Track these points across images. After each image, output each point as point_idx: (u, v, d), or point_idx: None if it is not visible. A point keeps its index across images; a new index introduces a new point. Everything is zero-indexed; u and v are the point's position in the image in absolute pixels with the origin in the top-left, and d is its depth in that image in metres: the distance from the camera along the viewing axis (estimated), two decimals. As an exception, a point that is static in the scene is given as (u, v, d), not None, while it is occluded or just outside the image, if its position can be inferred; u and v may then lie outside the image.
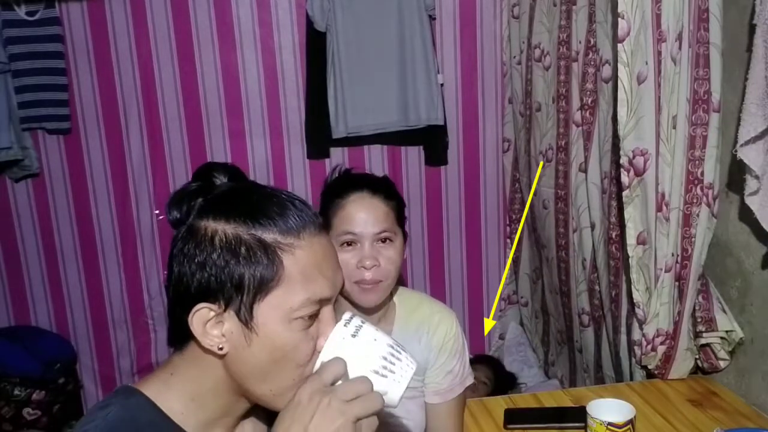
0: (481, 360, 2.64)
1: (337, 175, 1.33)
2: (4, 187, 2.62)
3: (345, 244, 1.24)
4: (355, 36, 2.45)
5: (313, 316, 0.78)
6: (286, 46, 2.57)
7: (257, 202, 0.78)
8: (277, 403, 0.78)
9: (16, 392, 2.50)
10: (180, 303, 0.77)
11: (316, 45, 2.50)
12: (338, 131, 2.50)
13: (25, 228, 2.66)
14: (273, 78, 2.59)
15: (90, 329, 2.75)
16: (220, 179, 0.83)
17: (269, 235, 0.75)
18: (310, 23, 2.48)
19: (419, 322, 1.36)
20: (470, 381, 1.41)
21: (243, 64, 2.56)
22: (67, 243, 2.68)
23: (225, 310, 0.75)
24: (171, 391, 0.80)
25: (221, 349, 0.76)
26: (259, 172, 2.63)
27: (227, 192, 0.80)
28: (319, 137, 2.58)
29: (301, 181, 2.65)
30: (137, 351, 2.76)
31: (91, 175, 2.63)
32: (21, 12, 2.42)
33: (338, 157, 2.64)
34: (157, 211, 2.66)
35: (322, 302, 0.78)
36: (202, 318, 0.75)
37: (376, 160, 2.66)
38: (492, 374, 2.52)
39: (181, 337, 0.79)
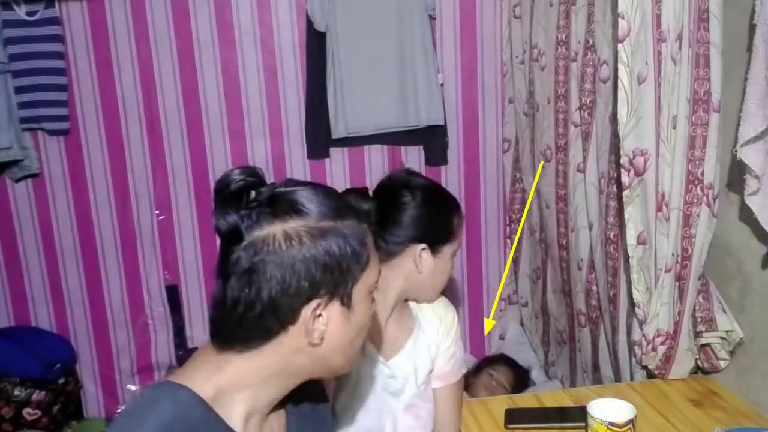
0: (497, 360, 2.57)
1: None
2: (4, 187, 2.62)
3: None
4: (355, 36, 2.45)
5: None
6: (286, 46, 2.57)
7: (326, 196, 0.83)
8: (342, 369, 0.90)
9: (16, 392, 2.50)
10: (270, 306, 0.79)
11: (316, 45, 2.50)
12: (338, 131, 2.50)
13: (25, 228, 2.66)
14: (273, 78, 2.59)
15: (90, 329, 2.75)
16: (241, 178, 0.83)
17: (351, 223, 0.83)
18: (310, 23, 2.48)
19: (429, 311, 1.41)
20: (464, 369, 1.46)
21: (243, 65, 2.56)
22: (67, 243, 2.68)
23: (330, 300, 0.82)
24: (217, 385, 0.81)
25: (321, 339, 0.82)
26: (260, 172, 2.63)
27: (288, 192, 0.82)
28: (319, 137, 2.58)
29: (301, 181, 2.65)
30: (137, 351, 2.75)
31: (91, 175, 2.63)
32: (21, 12, 2.42)
33: (338, 157, 2.65)
34: (157, 211, 2.66)
35: None
36: (312, 314, 0.81)
37: (376, 160, 2.66)
38: (513, 378, 2.46)
39: (243, 338, 0.82)
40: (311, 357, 0.84)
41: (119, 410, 2.75)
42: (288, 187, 0.83)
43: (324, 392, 1.05)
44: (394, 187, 1.33)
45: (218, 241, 0.84)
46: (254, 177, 0.82)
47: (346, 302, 0.83)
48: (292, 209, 0.80)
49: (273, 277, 0.78)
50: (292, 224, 0.79)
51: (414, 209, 1.30)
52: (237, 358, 0.82)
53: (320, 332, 0.82)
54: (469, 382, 2.37)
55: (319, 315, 0.81)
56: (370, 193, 1.31)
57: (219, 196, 0.80)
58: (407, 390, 1.36)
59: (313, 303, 0.80)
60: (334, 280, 0.81)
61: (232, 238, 0.79)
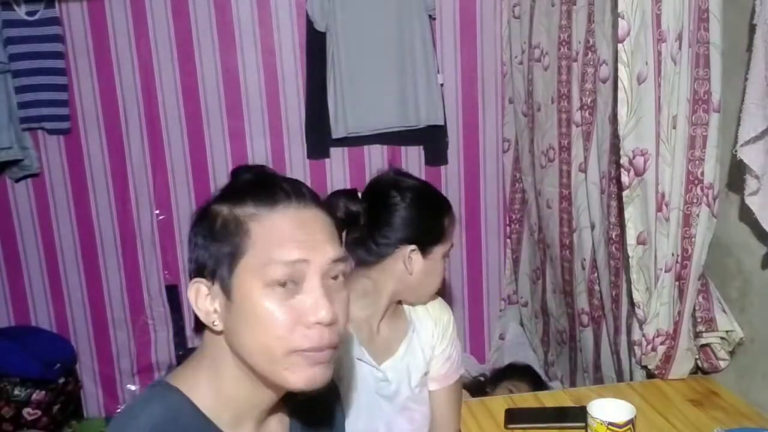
0: (518, 371, 2.40)
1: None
2: (4, 187, 2.62)
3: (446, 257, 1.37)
4: (355, 36, 2.45)
5: (291, 285, 0.79)
6: (286, 46, 2.57)
7: (243, 184, 0.86)
8: (283, 380, 0.80)
9: (16, 392, 2.50)
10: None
11: (316, 45, 2.50)
12: (338, 131, 2.50)
13: (25, 228, 2.66)
14: (273, 78, 2.59)
15: (90, 329, 2.75)
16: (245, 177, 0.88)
17: (242, 210, 0.81)
18: (310, 23, 2.48)
19: (424, 313, 1.40)
20: (462, 370, 1.45)
21: (243, 64, 2.56)
22: (67, 243, 2.68)
23: (212, 284, 0.81)
24: (202, 386, 0.82)
25: (215, 324, 0.81)
26: (259, 172, 2.62)
27: (232, 181, 0.89)
28: (319, 137, 2.58)
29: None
30: (137, 351, 2.75)
31: (91, 175, 2.63)
32: (21, 12, 2.42)
33: (338, 157, 2.65)
34: (157, 211, 2.66)
35: (296, 266, 0.79)
36: (197, 293, 0.82)
37: (376, 160, 2.66)
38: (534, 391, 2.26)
39: (198, 323, 0.84)
40: (235, 354, 0.83)
41: (119, 410, 2.76)
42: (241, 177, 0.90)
43: (338, 397, 1.05)
44: (383, 188, 1.32)
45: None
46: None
47: (227, 288, 0.83)
48: (220, 196, 0.89)
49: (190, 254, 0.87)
50: (215, 207, 0.87)
51: (404, 210, 1.29)
52: (200, 346, 0.87)
53: (211, 318, 0.82)
54: (486, 392, 2.27)
55: (204, 295, 0.84)
56: (360, 195, 1.31)
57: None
58: (401, 393, 1.35)
59: (196, 281, 0.84)
60: (211, 264, 0.84)
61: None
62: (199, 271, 0.82)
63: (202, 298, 0.81)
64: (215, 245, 0.81)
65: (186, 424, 0.79)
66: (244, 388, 0.83)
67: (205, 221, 0.83)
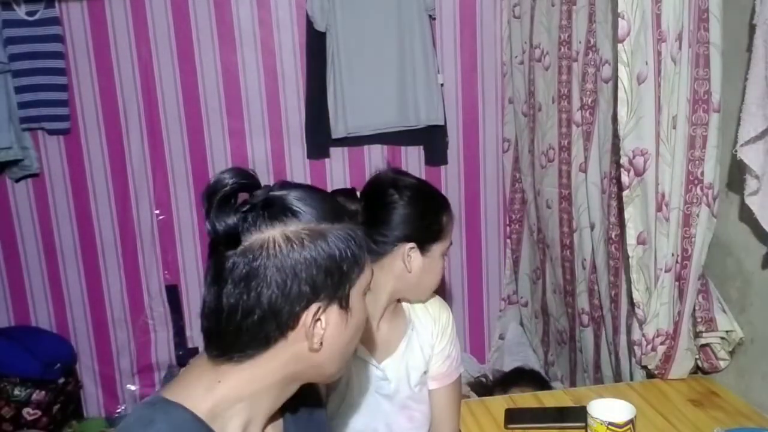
0: (525, 376, 2.38)
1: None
2: (4, 187, 2.62)
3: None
4: (355, 36, 2.45)
5: None
6: (286, 46, 2.57)
7: (322, 199, 0.82)
8: (338, 374, 0.87)
9: (16, 392, 2.50)
10: (270, 312, 0.76)
11: (316, 45, 2.50)
12: (338, 131, 2.50)
13: (25, 228, 2.66)
14: (273, 78, 2.59)
15: (90, 329, 2.75)
16: (234, 180, 0.79)
17: (347, 225, 0.82)
18: (310, 23, 2.48)
19: (423, 311, 1.40)
20: (462, 369, 1.45)
21: (243, 64, 2.56)
22: (67, 243, 2.68)
23: (329, 304, 0.80)
24: (213, 399, 0.79)
25: (321, 344, 0.80)
26: (259, 172, 2.59)
27: (283, 195, 0.80)
28: (319, 137, 2.58)
29: (300, 181, 2.65)
30: (137, 351, 2.75)
31: (91, 175, 2.63)
32: (21, 12, 2.42)
33: (338, 157, 2.65)
34: (157, 211, 2.66)
35: None
36: (313, 318, 0.78)
37: (376, 160, 2.66)
38: None
39: (241, 346, 0.78)
40: (309, 363, 0.81)
41: (118, 411, 2.76)
42: (283, 190, 0.80)
43: (320, 396, 1.04)
44: (381, 187, 1.32)
45: (207, 246, 0.81)
46: (247, 179, 0.79)
47: (344, 305, 0.81)
48: (290, 212, 0.78)
49: (273, 281, 0.75)
50: (292, 227, 0.77)
51: (402, 208, 1.29)
52: (234, 368, 0.79)
53: (319, 337, 0.79)
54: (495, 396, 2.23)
55: (318, 319, 0.79)
56: (358, 194, 1.31)
57: (212, 200, 0.76)
58: (400, 392, 1.35)
59: (313, 307, 0.78)
60: (334, 282, 0.79)
61: (228, 242, 0.76)
62: (307, 295, 0.78)
63: (315, 322, 0.79)
64: (336, 264, 0.80)
65: None
66: (272, 395, 0.83)
67: (294, 243, 0.78)
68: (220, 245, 0.77)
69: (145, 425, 0.75)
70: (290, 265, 0.76)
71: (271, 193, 0.79)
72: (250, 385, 0.80)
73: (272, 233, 0.76)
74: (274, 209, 0.78)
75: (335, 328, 0.81)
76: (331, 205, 0.82)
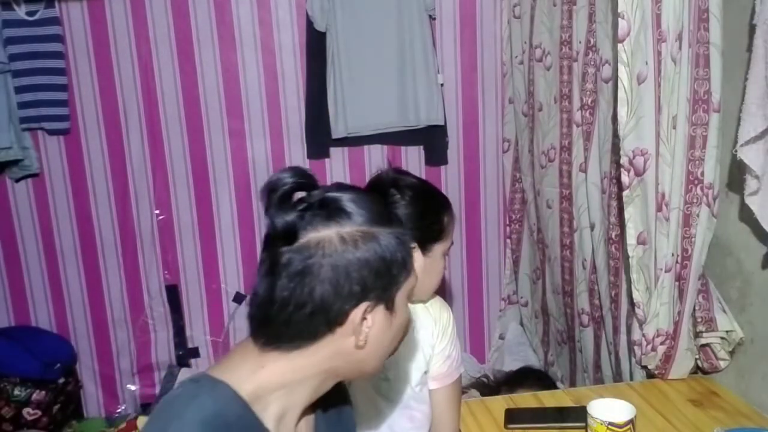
0: (529, 376, 2.33)
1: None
2: (4, 187, 2.62)
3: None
4: (355, 36, 2.45)
5: None
6: (286, 46, 2.57)
7: (374, 204, 0.85)
8: (375, 373, 0.90)
9: (16, 392, 2.50)
10: (321, 307, 0.79)
11: (316, 45, 2.50)
12: (338, 131, 2.50)
13: (25, 228, 2.66)
14: (273, 78, 2.59)
15: (90, 329, 2.75)
16: (294, 180, 0.82)
17: (397, 230, 0.84)
18: (310, 23, 2.48)
19: (424, 312, 1.40)
20: (462, 369, 1.44)
21: (243, 64, 2.56)
22: (67, 243, 2.68)
23: (377, 304, 0.83)
24: (256, 382, 0.82)
25: (365, 342, 0.83)
26: (259, 172, 2.63)
27: (339, 197, 0.83)
28: (319, 137, 2.58)
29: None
30: (137, 351, 2.75)
31: (91, 175, 2.63)
32: (21, 12, 2.42)
33: (338, 157, 2.65)
34: (157, 211, 2.66)
35: None
36: (361, 316, 0.81)
37: (376, 160, 2.66)
38: None
39: (289, 337, 0.82)
40: (351, 359, 0.85)
41: (118, 410, 2.76)
42: (338, 192, 0.83)
43: (347, 395, 1.05)
44: (382, 187, 1.32)
45: (261, 240, 0.84)
46: (305, 179, 0.82)
47: (390, 306, 0.84)
48: (344, 213, 0.81)
49: (327, 278, 0.79)
50: (347, 228, 0.80)
51: (403, 208, 1.29)
52: (279, 357, 0.83)
53: (365, 335, 0.83)
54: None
55: (365, 318, 0.82)
56: None
57: (272, 197, 0.80)
58: (401, 392, 1.35)
59: (363, 305, 0.81)
60: (383, 284, 0.82)
61: (286, 237, 0.79)
62: (357, 294, 0.81)
63: (362, 321, 0.83)
64: (388, 265, 0.82)
65: (236, 417, 0.79)
66: (311, 386, 0.86)
67: (349, 243, 0.81)
68: (278, 240, 0.80)
69: (191, 398, 0.78)
70: (344, 265, 0.79)
71: (327, 194, 0.83)
72: (292, 374, 0.83)
73: (328, 233, 0.80)
74: (330, 209, 0.81)
75: (380, 328, 0.84)
76: (381, 208, 0.85)
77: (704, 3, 1.47)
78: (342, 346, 0.83)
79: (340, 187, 0.85)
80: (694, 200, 1.57)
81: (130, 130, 2.59)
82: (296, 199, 0.81)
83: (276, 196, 0.79)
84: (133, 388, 2.78)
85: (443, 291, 2.80)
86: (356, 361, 0.85)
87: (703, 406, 1.58)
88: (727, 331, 1.61)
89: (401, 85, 2.49)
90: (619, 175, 1.60)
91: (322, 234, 0.79)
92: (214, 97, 2.58)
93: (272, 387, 0.83)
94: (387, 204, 1.29)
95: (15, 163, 2.54)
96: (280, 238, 0.79)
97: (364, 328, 0.82)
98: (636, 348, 1.70)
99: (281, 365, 0.83)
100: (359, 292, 0.80)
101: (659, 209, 1.56)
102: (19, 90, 2.46)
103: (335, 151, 2.64)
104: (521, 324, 2.85)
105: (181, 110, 2.59)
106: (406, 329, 0.91)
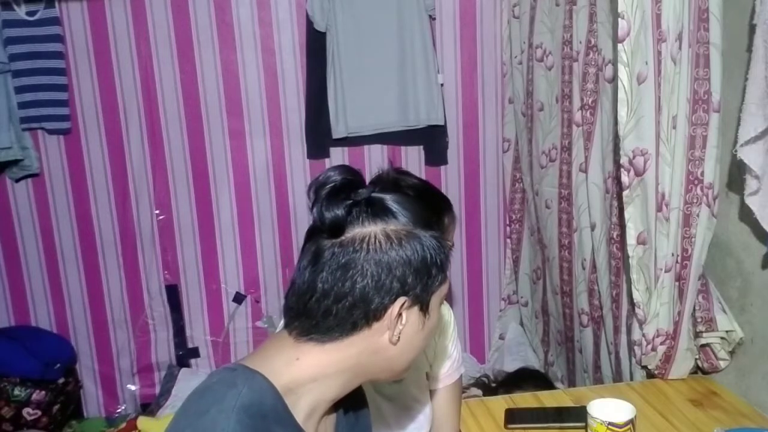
0: (528, 377, 2.32)
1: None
2: (4, 187, 2.62)
3: None
4: (355, 36, 2.45)
5: None
6: (286, 46, 2.57)
7: (418, 207, 0.86)
8: (403, 374, 0.91)
9: (16, 392, 2.50)
10: (360, 301, 0.81)
11: (316, 45, 2.50)
12: (338, 131, 2.50)
13: (25, 228, 2.66)
14: (273, 78, 2.59)
15: (90, 329, 2.75)
16: (343, 177, 0.84)
17: (437, 233, 0.86)
18: (310, 23, 2.48)
19: None
20: (463, 369, 1.44)
21: (243, 64, 2.56)
22: (67, 243, 2.68)
23: (413, 304, 0.84)
24: (291, 374, 0.83)
25: (398, 339, 0.84)
26: (259, 172, 2.63)
27: (385, 197, 0.85)
28: (319, 137, 2.58)
29: (301, 181, 2.65)
30: (137, 351, 2.76)
31: (91, 175, 2.63)
32: (21, 12, 2.42)
33: (338, 156, 2.64)
34: (157, 211, 2.66)
35: None
36: (398, 311, 0.83)
37: (376, 160, 2.66)
38: None
39: (326, 328, 0.83)
40: (382, 355, 0.86)
41: (118, 410, 2.76)
42: (383, 192, 0.85)
43: (365, 398, 1.06)
44: None
45: (306, 232, 0.86)
46: (353, 176, 0.85)
47: (424, 308, 0.86)
48: (390, 212, 0.83)
49: (369, 273, 0.81)
50: (392, 226, 0.82)
51: None
52: (314, 348, 0.84)
53: (398, 331, 0.84)
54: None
55: (400, 314, 0.83)
56: None
57: (320, 192, 0.82)
58: (402, 392, 1.35)
59: (401, 301, 0.82)
60: (422, 284, 0.84)
61: (333, 230, 0.81)
62: (396, 290, 0.83)
63: (398, 318, 0.84)
64: (427, 266, 0.84)
65: (270, 407, 0.80)
66: (339, 384, 0.86)
67: (393, 241, 0.83)
68: (323, 233, 0.82)
69: (228, 386, 0.79)
70: (387, 261, 0.81)
71: (374, 194, 0.84)
72: (326, 367, 0.84)
73: (374, 229, 0.82)
74: (376, 208, 0.83)
75: (412, 327, 0.85)
76: (424, 212, 0.87)
77: (704, 3, 1.47)
78: (376, 341, 0.84)
79: (385, 188, 0.87)
80: (694, 200, 1.57)
81: (130, 130, 2.59)
82: (344, 196, 0.83)
83: (324, 192, 0.82)
84: (133, 388, 2.78)
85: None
86: (387, 359, 0.86)
87: (703, 406, 1.58)
88: (727, 331, 1.62)
89: (401, 85, 2.49)
90: (620, 174, 1.60)
91: (368, 230, 0.81)
92: (214, 97, 2.58)
93: (305, 379, 0.83)
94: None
95: (15, 163, 2.54)
96: (327, 230, 0.82)
97: (399, 324, 0.84)
98: (636, 348, 1.70)
99: (316, 356, 0.84)
100: (399, 289, 0.82)
101: (659, 209, 1.56)
102: (19, 90, 2.47)
103: (335, 151, 2.64)
104: (521, 324, 2.85)
105: (181, 110, 2.59)
106: (433, 334, 0.93)
